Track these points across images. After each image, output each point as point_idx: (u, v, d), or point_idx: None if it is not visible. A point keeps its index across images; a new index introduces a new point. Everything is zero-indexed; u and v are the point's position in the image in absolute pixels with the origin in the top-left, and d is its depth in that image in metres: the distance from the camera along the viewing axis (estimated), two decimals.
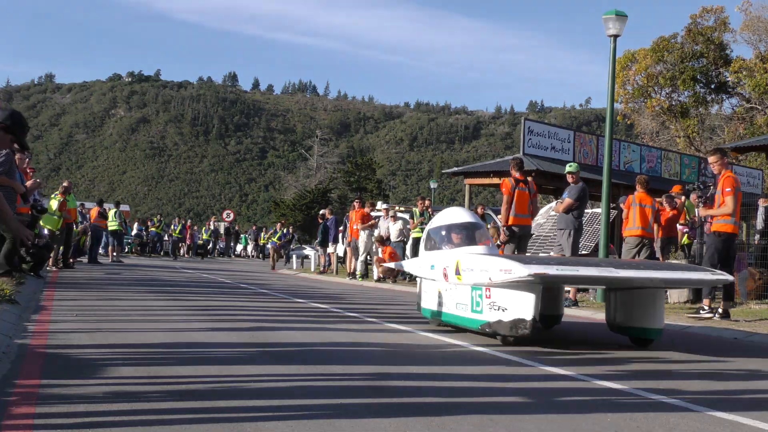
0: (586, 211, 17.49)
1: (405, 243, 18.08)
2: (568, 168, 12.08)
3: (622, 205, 12.67)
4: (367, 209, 18.83)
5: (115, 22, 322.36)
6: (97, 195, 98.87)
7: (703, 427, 4.00)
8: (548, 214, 16.14)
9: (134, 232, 35.25)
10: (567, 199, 11.64)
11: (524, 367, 5.73)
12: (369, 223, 18.42)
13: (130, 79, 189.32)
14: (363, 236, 18.37)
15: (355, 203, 19.46)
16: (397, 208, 18.87)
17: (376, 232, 18.41)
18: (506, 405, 4.37)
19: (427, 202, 18.59)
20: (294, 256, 27.83)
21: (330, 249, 21.37)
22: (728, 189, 9.80)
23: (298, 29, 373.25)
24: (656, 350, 7.22)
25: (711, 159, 10.21)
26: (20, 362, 4.86)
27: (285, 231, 29.77)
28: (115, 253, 23.52)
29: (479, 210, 17.21)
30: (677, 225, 13.40)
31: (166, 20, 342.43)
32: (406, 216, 19.08)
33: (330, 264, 21.73)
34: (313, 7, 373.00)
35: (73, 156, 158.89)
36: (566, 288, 12.62)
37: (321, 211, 24.36)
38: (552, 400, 4.58)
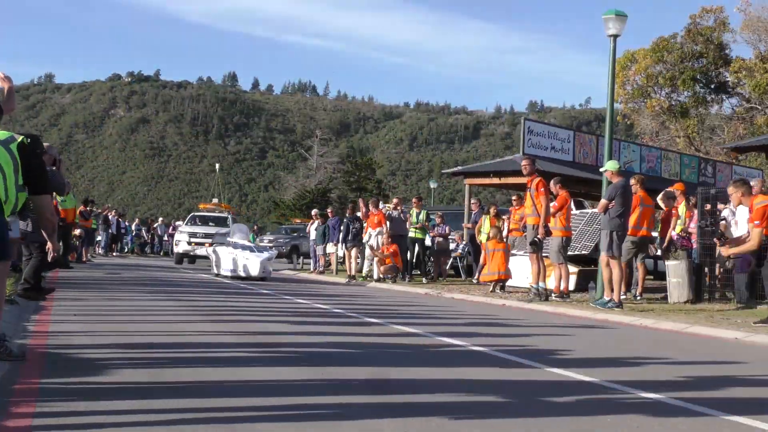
0: (585, 211, 17.51)
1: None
2: (606, 166, 11.99)
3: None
4: (372, 208, 18.69)
5: (115, 23, 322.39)
6: (96, 195, 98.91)
7: (703, 428, 4.00)
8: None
9: (134, 231, 35.25)
10: (602, 200, 11.63)
11: (524, 368, 5.72)
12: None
13: (129, 79, 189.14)
14: (372, 236, 18.23)
15: (371, 204, 19.08)
16: (394, 204, 18.78)
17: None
18: (507, 406, 4.37)
19: (414, 200, 18.57)
20: (294, 256, 27.83)
21: (330, 249, 21.35)
22: (757, 222, 8.92)
23: (304, 31, 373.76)
24: (657, 350, 7.21)
25: (730, 190, 9.51)
26: (20, 362, 4.86)
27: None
28: (89, 254, 23.44)
29: (493, 210, 17.09)
30: (671, 233, 13.37)
31: (166, 20, 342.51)
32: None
33: (330, 264, 21.70)
34: (320, 9, 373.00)
35: (72, 156, 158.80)
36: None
37: (322, 211, 24.36)
38: (552, 400, 4.58)
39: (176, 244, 26.02)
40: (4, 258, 4.85)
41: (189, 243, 25.22)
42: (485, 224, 16.56)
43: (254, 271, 16.47)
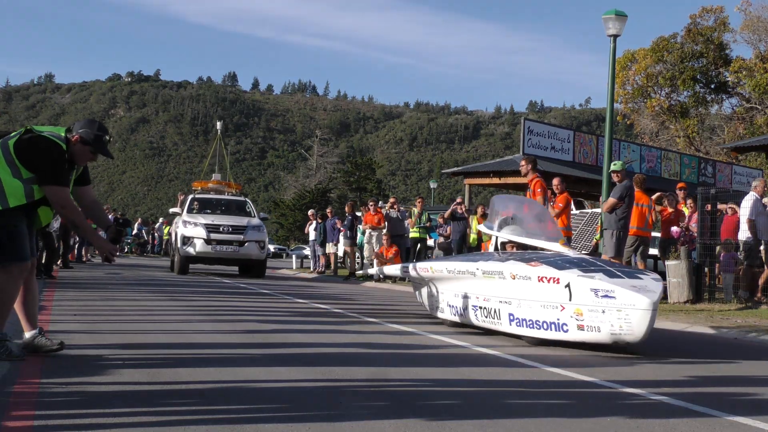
0: (585, 211, 17.52)
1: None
2: (612, 167, 11.99)
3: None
4: (371, 209, 18.69)
5: (115, 22, 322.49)
6: (96, 195, 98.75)
7: (703, 428, 4.00)
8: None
9: (134, 231, 35.25)
10: (610, 199, 11.63)
11: (525, 369, 5.72)
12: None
13: (129, 79, 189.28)
14: (373, 236, 18.21)
15: (370, 204, 19.09)
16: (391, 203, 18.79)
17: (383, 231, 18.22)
18: (507, 406, 4.37)
19: (418, 201, 18.58)
20: (294, 256, 27.82)
21: (330, 249, 21.36)
22: None
23: (305, 31, 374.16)
24: (656, 351, 7.21)
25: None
26: (20, 362, 4.86)
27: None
28: (89, 254, 23.48)
29: (480, 210, 17.15)
30: (672, 228, 13.38)
31: (166, 21, 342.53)
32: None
33: (330, 264, 21.71)
34: (320, 9, 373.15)
35: None
36: None
37: (320, 211, 24.34)
38: (553, 400, 4.58)
39: (184, 243, 17.09)
40: (18, 260, 4.85)
41: (209, 241, 17.09)
42: (473, 224, 16.63)
43: (635, 330, 6.25)
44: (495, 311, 7.29)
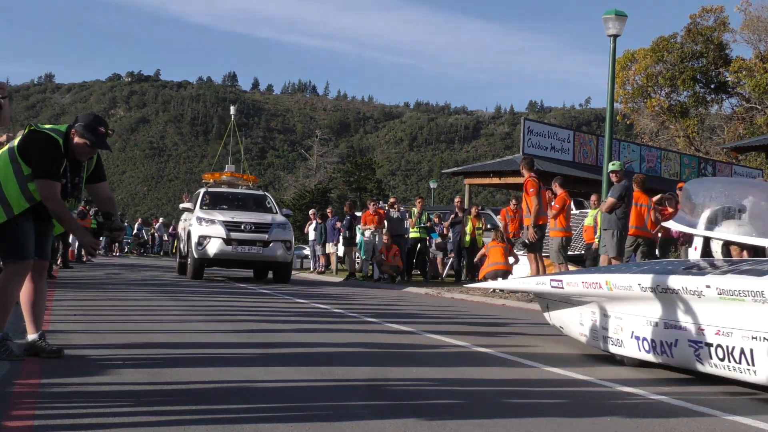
0: (585, 211, 17.51)
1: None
2: (610, 167, 12.04)
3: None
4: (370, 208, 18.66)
5: (115, 22, 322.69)
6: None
7: (703, 428, 4.00)
8: None
9: (134, 231, 35.26)
10: (609, 199, 11.64)
11: (525, 368, 5.73)
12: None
13: (129, 79, 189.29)
14: (375, 237, 18.15)
15: (370, 205, 19.02)
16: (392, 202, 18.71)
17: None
18: (507, 406, 4.37)
19: (418, 201, 18.54)
20: (294, 256, 27.82)
21: (330, 249, 21.35)
22: None
23: (305, 31, 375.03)
24: None
25: None
26: (20, 362, 4.86)
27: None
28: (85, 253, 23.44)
29: (474, 210, 17.14)
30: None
31: (166, 20, 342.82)
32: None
33: (330, 264, 21.71)
34: (320, 9, 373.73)
35: None
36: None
37: (320, 211, 24.33)
38: (552, 400, 4.58)
39: (200, 243, 14.95)
40: (17, 258, 4.86)
41: (228, 241, 14.94)
42: (468, 225, 16.63)
43: None
44: (742, 352, 4.78)
